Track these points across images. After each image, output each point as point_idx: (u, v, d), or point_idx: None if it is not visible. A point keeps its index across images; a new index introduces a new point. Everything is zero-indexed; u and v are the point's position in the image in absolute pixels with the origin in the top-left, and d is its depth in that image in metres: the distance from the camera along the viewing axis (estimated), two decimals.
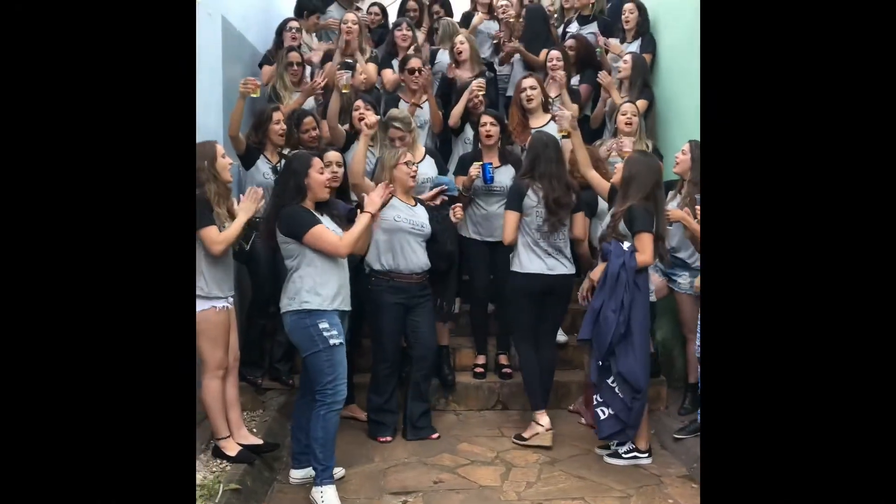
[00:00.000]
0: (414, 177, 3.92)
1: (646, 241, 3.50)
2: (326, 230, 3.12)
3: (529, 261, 3.84)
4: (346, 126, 4.50)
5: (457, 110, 4.70)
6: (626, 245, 3.52)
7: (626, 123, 4.46)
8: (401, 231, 3.84)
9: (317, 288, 3.09)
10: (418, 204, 3.99)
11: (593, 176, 4.00)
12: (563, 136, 4.14)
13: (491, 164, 4.22)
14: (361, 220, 3.21)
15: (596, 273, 3.65)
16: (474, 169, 4.20)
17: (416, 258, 3.89)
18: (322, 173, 3.21)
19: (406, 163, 3.85)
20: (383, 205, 3.42)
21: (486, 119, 4.32)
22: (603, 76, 4.91)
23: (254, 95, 4.10)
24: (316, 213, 3.16)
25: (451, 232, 4.08)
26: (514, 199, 3.86)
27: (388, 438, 3.94)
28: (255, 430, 3.78)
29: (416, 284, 3.93)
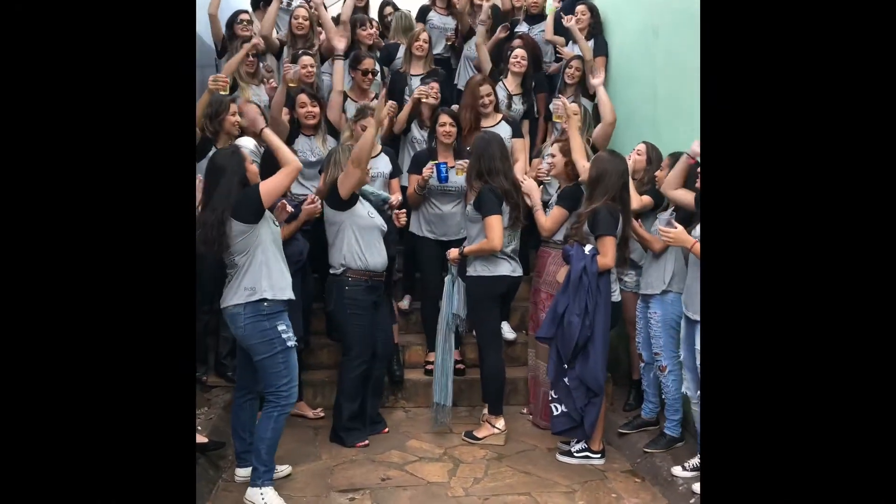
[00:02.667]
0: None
1: (608, 245, 3.51)
2: (268, 180, 3.09)
3: (496, 264, 3.84)
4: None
5: (402, 117, 4.75)
6: (587, 248, 3.53)
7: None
8: (374, 227, 3.83)
9: (273, 279, 3.06)
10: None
11: (583, 166, 3.87)
12: (558, 122, 4.36)
13: (446, 163, 4.22)
14: (270, 136, 3.26)
15: (560, 275, 3.67)
16: (427, 169, 4.21)
17: (384, 254, 3.88)
18: (252, 163, 3.18)
19: None
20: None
21: (444, 119, 4.31)
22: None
23: (223, 93, 4.06)
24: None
25: (393, 236, 4.08)
26: (495, 203, 3.75)
27: (367, 442, 3.88)
28: (199, 427, 3.72)
29: (383, 282, 3.95)
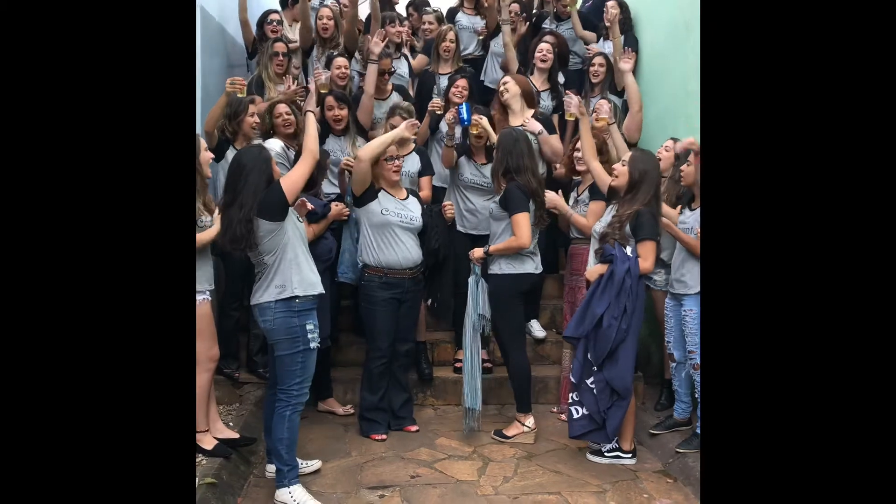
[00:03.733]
0: (397, 171, 3.91)
1: (649, 249, 3.45)
2: (288, 174, 3.12)
3: (521, 262, 3.82)
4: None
5: (422, 130, 4.71)
6: (628, 250, 3.47)
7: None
8: (389, 224, 3.82)
9: (303, 275, 3.07)
10: (410, 196, 3.98)
11: (596, 167, 3.89)
12: (571, 120, 4.29)
13: (469, 104, 4.19)
14: (310, 120, 3.25)
15: (593, 273, 3.59)
16: (450, 113, 4.19)
17: (408, 252, 3.86)
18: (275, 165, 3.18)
19: (386, 158, 3.84)
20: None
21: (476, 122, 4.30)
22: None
23: (240, 95, 4.08)
24: None
25: (439, 229, 4.04)
26: (522, 200, 3.73)
27: (384, 436, 3.90)
28: (231, 423, 3.76)
29: (410, 279, 3.92)
